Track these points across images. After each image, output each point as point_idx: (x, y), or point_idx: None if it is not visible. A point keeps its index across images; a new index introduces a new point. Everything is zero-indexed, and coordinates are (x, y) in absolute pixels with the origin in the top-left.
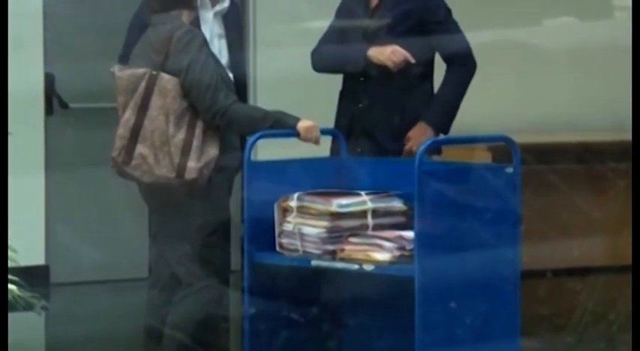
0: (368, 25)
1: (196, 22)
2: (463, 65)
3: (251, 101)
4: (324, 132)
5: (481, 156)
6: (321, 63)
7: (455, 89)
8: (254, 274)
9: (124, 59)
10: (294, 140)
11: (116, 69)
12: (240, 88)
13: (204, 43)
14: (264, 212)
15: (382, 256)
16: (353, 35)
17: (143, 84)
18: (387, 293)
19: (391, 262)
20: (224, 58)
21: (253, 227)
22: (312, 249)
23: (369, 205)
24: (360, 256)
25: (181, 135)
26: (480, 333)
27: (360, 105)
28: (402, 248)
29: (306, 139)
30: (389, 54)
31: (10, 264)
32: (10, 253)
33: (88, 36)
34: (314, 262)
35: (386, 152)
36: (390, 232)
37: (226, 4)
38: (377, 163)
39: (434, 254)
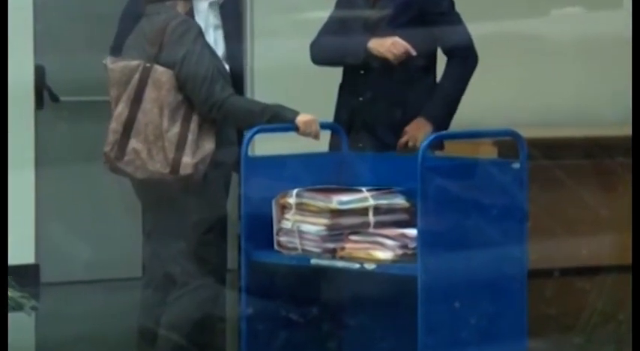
0: (369, 15)
1: (192, 13)
2: (464, 58)
3: (248, 94)
4: (323, 126)
5: (486, 151)
6: (321, 55)
7: (455, 83)
8: (251, 273)
9: (116, 50)
10: (292, 135)
11: (109, 61)
12: (237, 80)
13: (200, 33)
14: (262, 209)
15: (384, 255)
16: (353, 26)
17: (136, 76)
18: (388, 293)
19: (393, 261)
20: (220, 50)
21: (251, 225)
22: (311, 247)
23: (371, 202)
24: (361, 254)
25: (176, 129)
26: (486, 334)
27: (361, 98)
28: (404, 246)
29: (305, 134)
30: (389, 46)
31: None
32: None
33: (80, 27)
34: (313, 261)
35: (387, 147)
36: (392, 230)
37: None
38: (378, 158)
39: (437, 253)
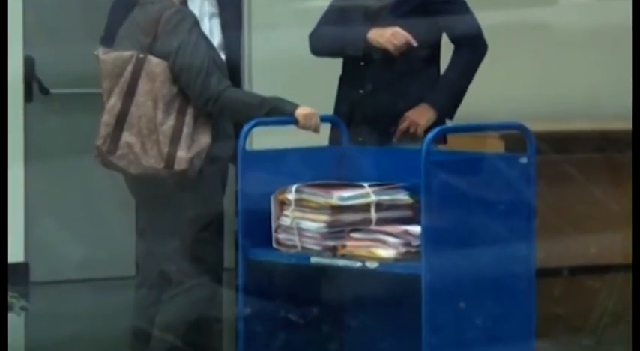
0: (369, 5)
1: (185, 1)
2: (472, 47)
3: (246, 86)
4: (323, 119)
5: (493, 145)
6: (320, 46)
7: (462, 72)
8: (249, 272)
9: (107, 41)
10: (291, 128)
11: (101, 52)
12: (234, 71)
13: (196, 23)
14: (260, 205)
15: (387, 253)
16: (354, 16)
17: (130, 68)
18: (391, 292)
19: (396, 259)
20: (216, 39)
21: (248, 222)
22: (311, 245)
23: (373, 198)
24: (362, 252)
25: (170, 122)
26: (492, 335)
27: (362, 91)
28: (407, 244)
29: (304, 127)
30: (389, 36)
31: None
32: None
33: (71, 16)
34: (313, 259)
35: (389, 141)
36: (395, 227)
37: None
38: (381, 152)
39: (442, 250)
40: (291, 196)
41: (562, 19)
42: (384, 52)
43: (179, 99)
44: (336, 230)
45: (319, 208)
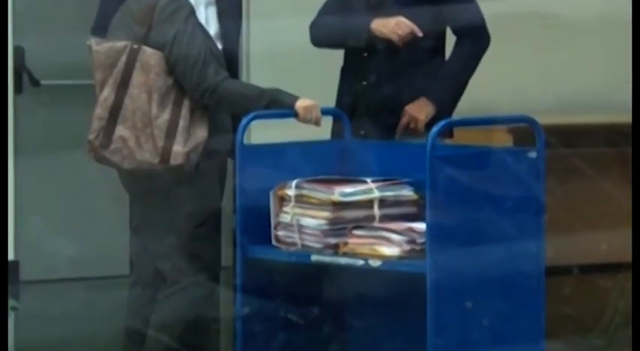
0: None
1: None
2: (475, 38)
3: (244, 78)
4: (325, 112)
5: (501, 139)
6: (321, 37)
7: (464, 65)
8: (247, 270)
9: (99, 31)
10: (291, 121)
11: (93, 42)
12: (232, 62)
13: (192, 12)
14: (259, 202)
15: (390, 251)
16: (356, 5)
17: (123, 58)
18: (395, 292)
19: (400, 257)
20: (212, 28)
21: (246, 218)
22: (311, 243)
23: (376, 194)
24: (365, 250)
25: (166, 115)
26: (500, 335)
27: (364, 82)
28: (412, 242)
29: (305, 120)
30: (393, 26)
31: None
32: None
33: (62, 5)
34: (314, 258)
35: (393, 134)
36: (398, 224)
37: None
38: (384, 146)
39: (448, 248)
40: (291, 192)
41: (571, 9)
42: (387, 43)
43: (175, 91)
44: (338, 227)
45: (320, 205)
